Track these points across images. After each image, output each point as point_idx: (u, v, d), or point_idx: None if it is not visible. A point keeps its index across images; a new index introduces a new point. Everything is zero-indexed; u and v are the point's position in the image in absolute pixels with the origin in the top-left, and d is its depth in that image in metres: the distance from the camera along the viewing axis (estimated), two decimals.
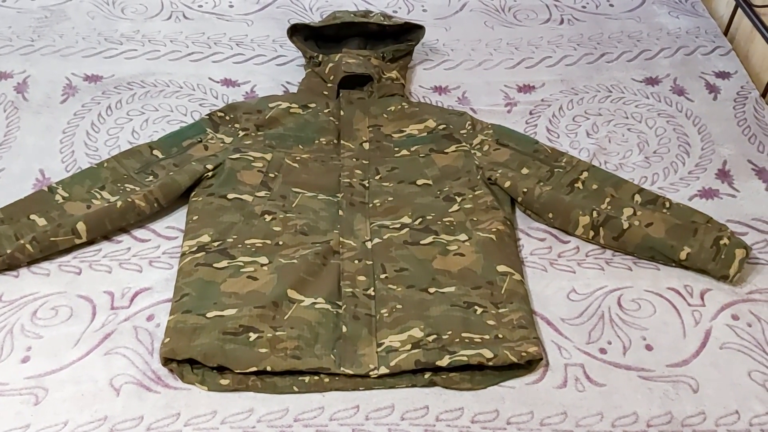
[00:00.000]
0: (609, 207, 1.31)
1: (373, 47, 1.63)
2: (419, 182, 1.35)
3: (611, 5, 1.90)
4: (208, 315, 1.10)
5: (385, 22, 1.58)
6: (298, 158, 1.38)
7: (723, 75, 1.68)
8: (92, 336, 1.11)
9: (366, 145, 1.42)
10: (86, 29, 1.71)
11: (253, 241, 1.22)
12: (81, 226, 1.22)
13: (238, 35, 1.73)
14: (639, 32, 1.80)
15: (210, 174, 1.33)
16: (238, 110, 1.45)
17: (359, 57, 1.53)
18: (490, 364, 1.05)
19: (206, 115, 1.44)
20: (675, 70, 1.68)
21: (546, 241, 1.30)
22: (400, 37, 1.64)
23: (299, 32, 1.60)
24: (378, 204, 1.31)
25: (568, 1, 1.91)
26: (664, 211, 1.30)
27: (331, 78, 1.51)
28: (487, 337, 1.09)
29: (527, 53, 1.73)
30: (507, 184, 1.33)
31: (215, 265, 1.18)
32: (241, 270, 1.17)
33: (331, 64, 1.53)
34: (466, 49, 1.73)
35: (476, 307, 1.14)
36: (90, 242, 1.24)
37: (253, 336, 1.07)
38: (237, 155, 1.37)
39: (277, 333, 1.08)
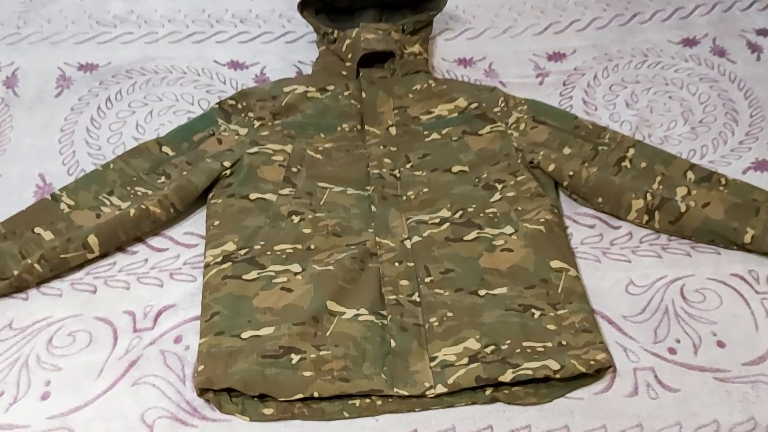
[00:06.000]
0: (661, 187, 1.21)
1: (389, 18, 1.50)
2: (454, 169, 1.25)
3: None
4: (243, 336, 1.00)
5: None
6: (320, 148, 1.27)
7: (764, 32, 1.56)
8: (116, 364, 1.01)
9: (393, 130, 1.30)
10: (75, 12, 1.56)
11: (282, 247, 1.12)
12: (92, 240, 1.11)
13: (241, 11, 1.59)
14: None
15: (228, 172, 1.22)
16: (251, 97, 1.33)
17: (378, 31, 1.40)
18: (557, 376, 0.97)
19: (216, 103, 1.32)
20: (713, 29, 1.57)
21: (596, 227, 1.21)
22: (417, 6, 1.51)
23: (309, 6, 1.47)
24: (412, 196, 1.21)
25: None
26: (721, 188, 1.21)
27: (349, 56, 1.39)
28: (549, 344, 1.00)
29: (554, 17, 1.60)
30: (551, 167, 1.23)
31: (244, 276, 1.08)
32: (274, 281, 1.07)
33: (348, 41, 1.40)
34: (488, 15, 1.61)
35: (533, 310, 1.05)
36: (103, 255, 1.14)
37: (295, 358, 0.98)
38: (255, 149, 1.25)
39: (321, 353, 0.98)
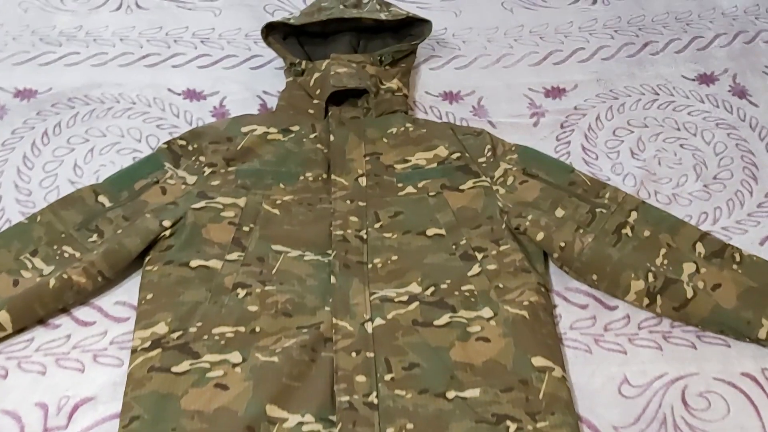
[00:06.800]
0: (665, 262, 1.05)
1: (367, 43, 1.34)
2: (429, 232, 1.09)
3: None
4: None
5: (383, 17, 1.28)
6: (278, 202, 1.11)
7: None
8: None
9: (362, 181, 1.14)
10: (18, 26, 1.40)
11: (222, 330, 0.97)
12: (4, 317, 0.96)
13: (202, 29, 1.42)
14: (688, 12, 1.50)
15: (168, 233, 1.06)
16: (204, 138, 1.17)
17: (351, 64, 1.23)
18: None
19: (165, 143, 1.16)
20: (734, 64, 1.39)
21: (588, 308, 1.05)
22: (400, 31, 1.34)
23: (276, 29, 1.30)
24: (379, 265, 1.05)
25: None
26: (734, 266, 1.05)
27: (318, 92, 1.22)
28: None
29: (555, 44, 1.43)
30: (540, 236, 1.07)
31: (174, 369, 0.93)
32: (208, 375, 0.92)
33: (317, 74, 1.23)
34: (480, 40, 1.43)
35: (508, 422, 0.89)
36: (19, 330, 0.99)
37: None
38: (202, 203, 1.09)
39: None
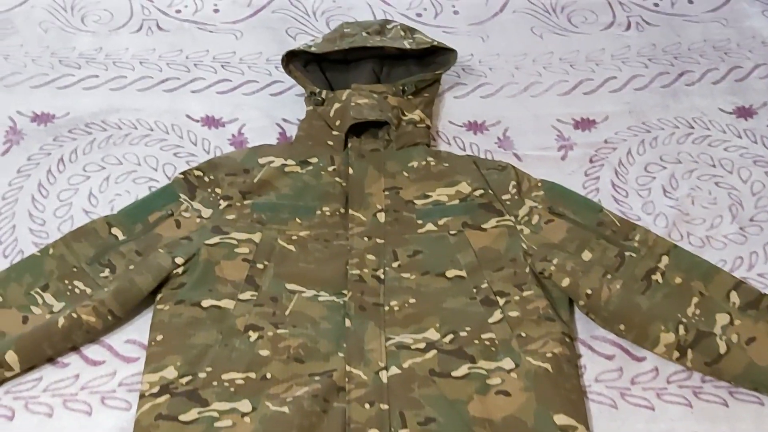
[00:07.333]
0: (697, 312, 1.00)
1: (390, 70, 1.30)
2: (449, 274, 1.05)
3: (690, 2, 1.52)
4: None
5: (407, 45, 1.24)
6: (294, 237, 1.08)
7: None
8: None
9: (381, 216, 1.11)
10: (37, 47, 1.37)
11: (232, 376, 0.93)
12: (11, 357, 0.94)
13: (223, 53, 1.39)
14: (726, 40, 1.44)
15: (180, 270, 1.03)
16: (220, 169, 1.14)
17: (373, 95, 1.20)
18: None
19: (180, 173, 1.13)
20: None
21: (615, 359, 1.01)
22: (424, 58, 1.30)
23: (297, 57, 1.26)
24: (396, 307, 1.01)
25: None
26: None
27: (337, 123, 1.19)
28: None
29: (585, 72, 1.38)
30: (565, 282, 1.02)
31: (182, 417, 0.90)
32: (216, 425, 0.89)
33: (337, 105, 1.20)
34: (508, 67, 1.39)
35: None
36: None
37: None
38: (216, 239, 1.06)
39: None
